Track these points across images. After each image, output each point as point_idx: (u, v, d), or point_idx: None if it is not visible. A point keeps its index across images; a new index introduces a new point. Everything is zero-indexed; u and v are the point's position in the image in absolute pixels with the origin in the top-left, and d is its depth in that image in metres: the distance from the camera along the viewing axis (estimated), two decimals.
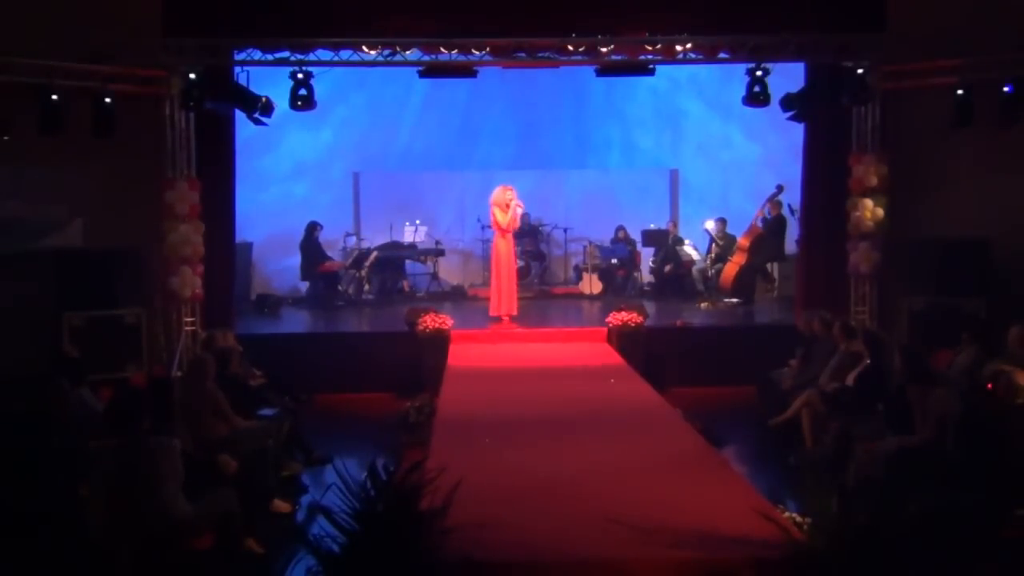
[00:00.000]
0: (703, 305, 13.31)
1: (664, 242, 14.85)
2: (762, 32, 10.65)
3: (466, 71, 11.13)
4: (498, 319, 11.84)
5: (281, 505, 6.99)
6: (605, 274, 14.99)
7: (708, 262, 14.22)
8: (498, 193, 11.99)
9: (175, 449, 5.28)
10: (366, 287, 14.61)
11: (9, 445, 5.81)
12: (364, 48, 10.77)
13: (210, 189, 10.83)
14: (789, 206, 13.14)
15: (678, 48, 10.96)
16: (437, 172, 16.13)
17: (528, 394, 8.50)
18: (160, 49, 10.45)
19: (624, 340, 10.74)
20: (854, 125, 11.04)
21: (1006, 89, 10.13)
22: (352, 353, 10.98)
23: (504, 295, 11.87)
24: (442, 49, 10.87)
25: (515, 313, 11.92)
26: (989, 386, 7.04)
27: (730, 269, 13.36)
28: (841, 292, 11.14)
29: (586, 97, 15.80)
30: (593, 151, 16.60)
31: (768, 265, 13.79)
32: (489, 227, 12.75)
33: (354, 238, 15.46)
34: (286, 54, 10.77)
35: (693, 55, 11.15)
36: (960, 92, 10.25)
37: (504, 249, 11.97)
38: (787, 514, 5.22)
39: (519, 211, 12.12)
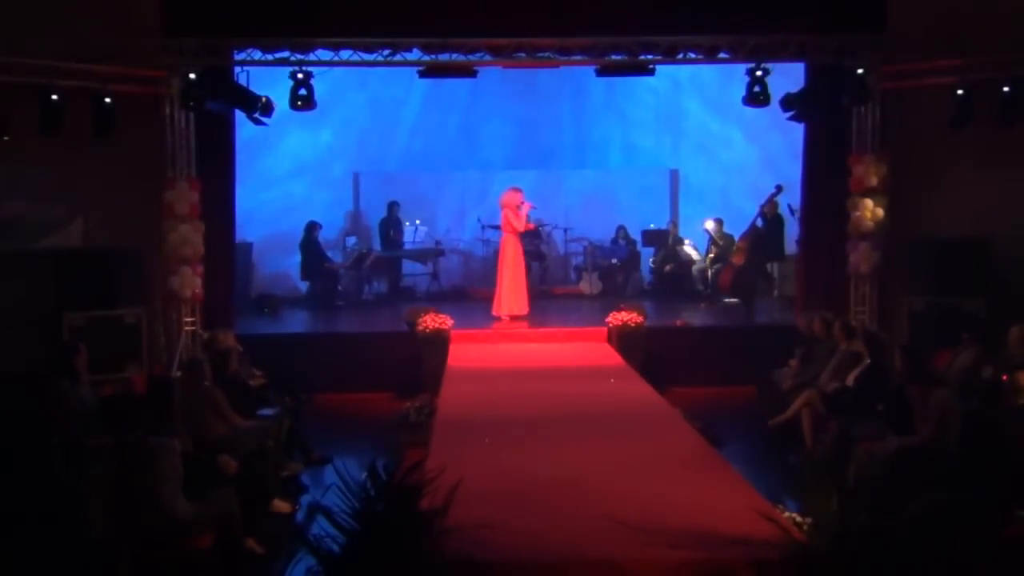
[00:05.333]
0: (703, 305, 13.30)
1: (664, 242, 14.85)
2: (762, 32, 10.65)
3: (466, 71, 11.13)
4: (498, 318, 11.84)
5: (281, 505, 6.99)
6: (605, 274, 14.98)
7: (708, 262, 14.22)
8: (510, 196, 12.00)
9: (174, 449, 5.28)
10: (366, 287, 14.62)
11: (9, 444, 5.81)
12: (364, 48, 10.78)
13: (210, 189, 10.83)
14: (789, 206, 13.14)
15: (678, 48, 10.97)
16: (437, 172, 16.12)
17: (528, 394, 8.49)
18: (160, 49, 10.46)
19: (624, 340, 10.73)
20: (854, 125, 11.03)
21: (1006, 89, 10.15)
22: (352, 353, 10.96)
23: (512, 295, 11.88)
24: (442, 49, 10.88)
25: (527, 312, 11.94)
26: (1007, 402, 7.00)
27: (729, 269, 13.36)
28: (841, 292, 11.14)
29: (586, 97, 15.80)
30: (593, 151, 16.59)
31: (768, 265, 13.78)
32: (490, 227, 12.75)
33: (354, 238, 15.46)
34: (286, 54, 10.78)
35: (693, 55, 11.15)
36: (960, 92, 10.27)
37: (514, 249, 11.98)
38: (787, 514, 5.22)
39: (529, 210, 12.13)
